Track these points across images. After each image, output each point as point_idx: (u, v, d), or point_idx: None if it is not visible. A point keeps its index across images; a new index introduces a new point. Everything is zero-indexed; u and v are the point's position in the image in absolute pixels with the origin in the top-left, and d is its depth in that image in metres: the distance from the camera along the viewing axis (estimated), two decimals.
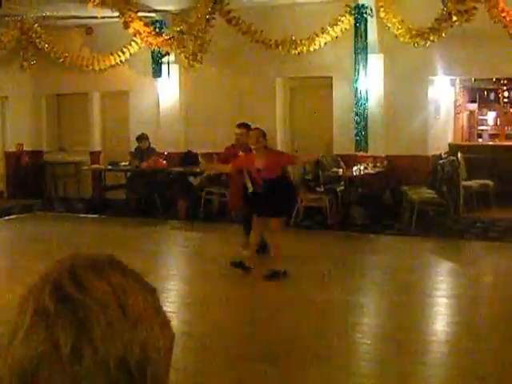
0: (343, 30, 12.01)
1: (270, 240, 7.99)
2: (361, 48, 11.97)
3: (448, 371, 5.49)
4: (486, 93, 15.55)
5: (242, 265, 8.08)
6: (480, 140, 15.01)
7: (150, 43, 13.03)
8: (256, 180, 7.73)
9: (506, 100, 15.34)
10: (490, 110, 15.66)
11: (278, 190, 7.62)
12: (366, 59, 12.02)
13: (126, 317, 0.83)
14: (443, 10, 10.76)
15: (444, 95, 13.42)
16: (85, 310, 0.82)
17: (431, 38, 11.05)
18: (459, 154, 12.22)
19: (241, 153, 8.61)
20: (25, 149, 15.59)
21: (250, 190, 8.05)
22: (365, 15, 11.83)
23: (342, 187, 11.46)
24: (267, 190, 7.56)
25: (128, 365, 0.82)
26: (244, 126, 8.87)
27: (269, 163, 7.54)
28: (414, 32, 11.19)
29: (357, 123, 12.18)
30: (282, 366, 5.44)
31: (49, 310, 0.82)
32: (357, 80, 12.09)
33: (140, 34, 12.92)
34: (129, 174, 13.47)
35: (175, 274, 8.95)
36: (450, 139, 13.94)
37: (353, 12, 11.86)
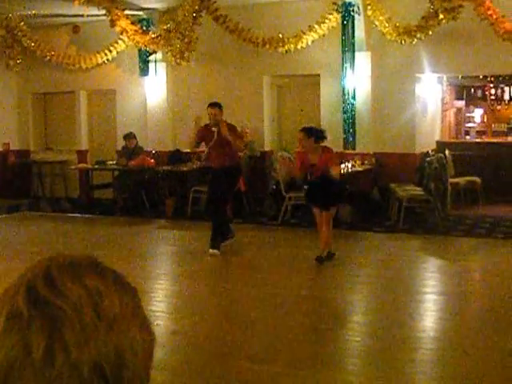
0: (330, 27, 12.00)
1: (324, 229, 8.76)
2: (348, 46, 11.98)
3: (437, 368, 5.50)
4: (473, 90, 15.59)
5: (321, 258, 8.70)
6: (467, 137, 15.05)
7: (137, 41, 12.98)
8: (311, 174, 8.79)
9: (492, 97, 15.39)
10: (477, 107, 15.70)
11: (329, 183, 8.59)
12: (354, 57, 12.03)
13: (101, 320, 0.81)
14: (430, 7, 10.80)
15: (431, 93, 13.45)
16: (58, 313, 0.80)
17: (418, 35, 11.08)
18: (447, 151, 12.27)
19: (213, 129, 9.25)
20: (11, 148, 15.50)
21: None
22: (352, 13, 11.83)
23: None
24: (321, 183, 8.60)
25: (103, 369, 0.80)
26: (216, 105, 9.55)
27: (321, 160, 8.51)
28: (401, 30, 11.21)
29: (344, 121, 12.19)
30: (271, 364, 5.44)
31: (22, 312, 0.80)
32: (344, 78, 12.10)
33: (127, 32, 12.88)
34: (116, 172, 13.42)
35: (163, 273, 8.93)
36: (437, 136, 13.97)
37: (340, 10, 11.85)
